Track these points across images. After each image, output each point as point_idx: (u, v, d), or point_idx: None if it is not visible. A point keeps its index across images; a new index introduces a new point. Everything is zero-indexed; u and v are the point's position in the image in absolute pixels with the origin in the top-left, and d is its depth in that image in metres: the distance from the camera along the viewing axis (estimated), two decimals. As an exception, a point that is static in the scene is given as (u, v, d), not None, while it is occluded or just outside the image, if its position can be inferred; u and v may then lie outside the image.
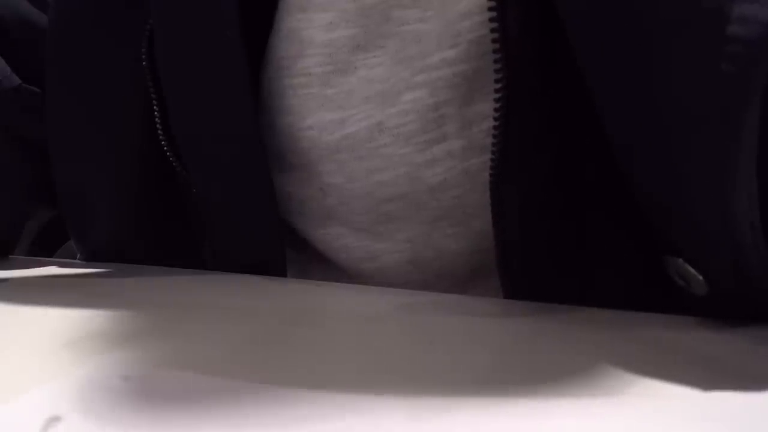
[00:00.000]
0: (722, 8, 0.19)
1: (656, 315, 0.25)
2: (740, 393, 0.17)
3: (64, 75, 0.38)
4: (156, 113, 0.35)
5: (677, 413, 0.16)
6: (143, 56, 0.34)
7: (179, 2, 0.32)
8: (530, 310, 0.26)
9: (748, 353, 0.21)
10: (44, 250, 0.51)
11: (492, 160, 0.26)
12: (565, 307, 0.26)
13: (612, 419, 0.15)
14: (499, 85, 0.25)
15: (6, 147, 0.40)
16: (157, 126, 0.35)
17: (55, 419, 0.15)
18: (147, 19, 0.34)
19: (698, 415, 0.16)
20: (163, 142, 0.35)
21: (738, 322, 0.23)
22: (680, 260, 0.23)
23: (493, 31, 0.25)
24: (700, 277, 0.23)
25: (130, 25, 0.35)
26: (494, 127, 0.26)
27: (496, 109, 0.25)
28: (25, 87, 0.39)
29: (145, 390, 0.17)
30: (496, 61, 0.25)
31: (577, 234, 0.27)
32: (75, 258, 0.41)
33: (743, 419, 0.16)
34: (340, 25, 0.29)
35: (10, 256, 0.43)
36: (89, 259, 0.40)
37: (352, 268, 0.33)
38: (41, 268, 0.38)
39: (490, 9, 0.24)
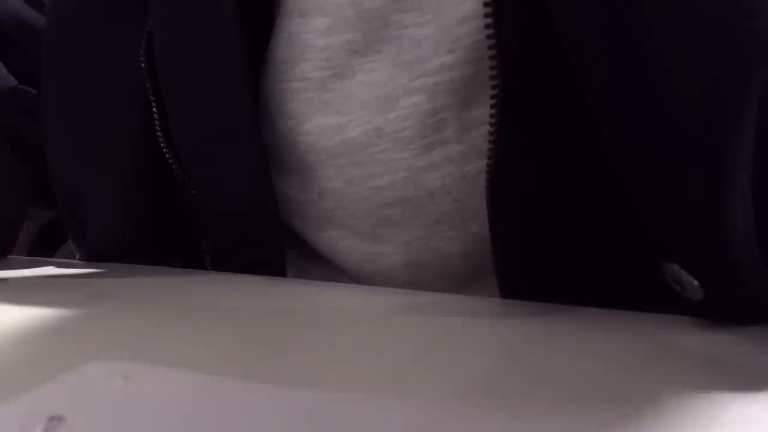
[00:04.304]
0: (721, 19, 0.19)
1: (656, 315, 0.25)
2: (740, 393, 0.17)
3: (61, 76, 0.38)
4: (155, 115, 0.35)
5: (677, 413, 0.16)
6: (142, 58, 0.34)
7: (179, 4, 0.32)
8: (530, 311, 0.26)
9: (748, 353, 0.21)
10: (44, 250, 0.51)
11: (488, 164, 0.26)
12: (564, 307, 0.26)
13: (611, 419, 0.15)
14: (495, 91, 0.25)
15: (4, 147, 0.40)
16: (156, 128, 0.35)
17: (55, 419, 0.15)
18: (146, 21, 0.34)
19: (698, 415, 0.16)
20: (162, 144, 0.35)
21: (737, 322, 0.23)
22: (676, 266, 0.23)
23: (489, 37, 0.25)
24: (696, 283, 0.23)
25: (128, 27, 0.35)
26: (490, 132, 0.26)
27: (491, 115, 0.25)
28: (21, 88, 0.40)
29: (145, 390, 0.17)
30: (492, 67, 0.25)
31: (574, 238, 0.27)
32: (74, 258, 0.41)
33: (743, 419, 0.16)
34: (338, 29, 0.29)
35: (9, 256, 0.43)
36: (88, 259, 0.40)
37: (352, 270, 0.33)
38: (40, 268, 0.38)
39: (486, 15, 0.24)
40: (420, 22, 0.28)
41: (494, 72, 0.25)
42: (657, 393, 0.17)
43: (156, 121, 0.35)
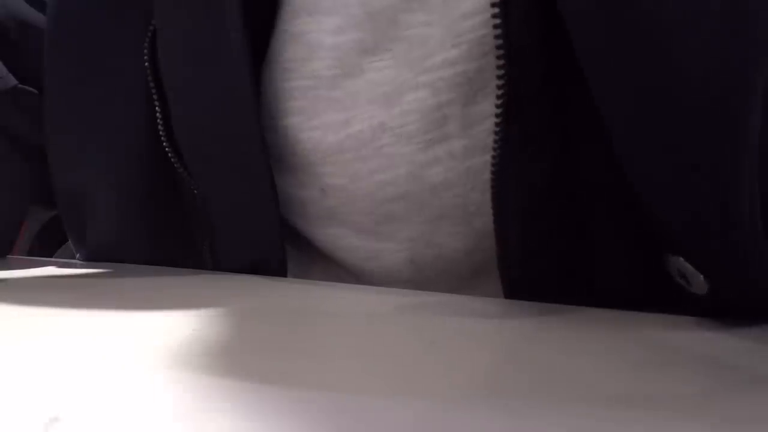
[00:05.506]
0: (731, 9, 0.19)
1: (656, 315, 0.25)
2: (740, 393, 0.17)
3: (62, 76, 0.38)
4: (158, 113, 0.35)
5: (677, 413, 0.16)
6: (145, 56, 0.34)
7: (184, 4, 0.32)
8: (531, 311, 0.26)
9: (748, 353, 0.21)
10: (44, 250, 0.51)
11: (493, 157, 0.26)
12: (566, 307, 0.26)
13: (611, 419, 0.15)
14: (501, 82, 0.25)
15: (4, 147, 0.40)
16: (159, 126, 0.35)
17: (55, 419, 0.15)
18: (149, 20, 0.34)
19: (698, 415, 0.16)
20: (164, 142, 0.35)
21: (738, 322, 0.23)
22: (681, 259, 0.23)
23: (495, 27, 0.25)
24: (701, 276, 0.23)
25: (130, 26, 0.36)
26: (496, 124, 0.26)
27: (497, 106, 0.25)
28: (22, 88, 0.40)
29: (145, 390, 0.17)
30: (498, 58, 0.25)
31: (577, 233, 0.27)
32: (74, 258, 0.41)
33: (743, 420, 0.16)
34: (348, 29, 0.29)
35: (9, 256, 0.43)
36: (88, 259, 0.40)
37: (354, 267, 0.33)
38: (40, 269, 0.38)
39: (493, 5, 0.24)
40: (427, 21, 0.28)
41: (501, 62, 0.25)
42: (657, 393, 0.17)
43: (158, 120, 0.35)
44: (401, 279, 0.32)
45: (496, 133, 0.26)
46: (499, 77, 0.25)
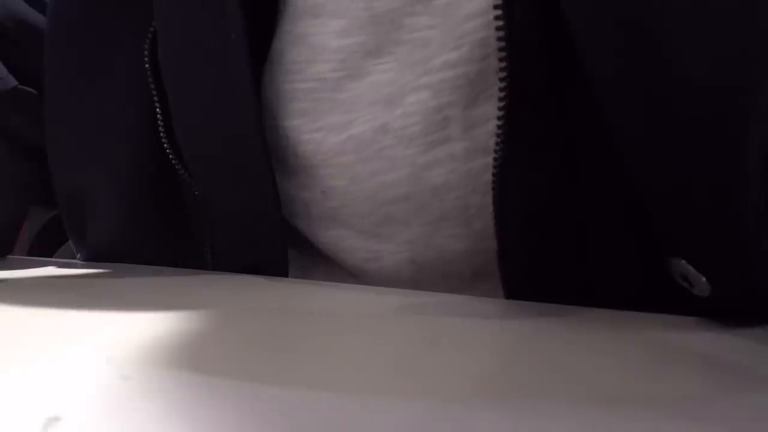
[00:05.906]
0: (733, 11, 0.19)
1: (657, 315, 0.25)
2: (741, 393, 0.17)
3: (63, 77, 0.38)
4: (158, 114, 0.35)
5: (677, 413, 0.16)
6: (145, 57, 0.34)
7: (184, 5, 0.32)
8: (532, 311, 0.26)
9: (749, 353, 0.21)
10: (44, 250, 0.51)
11: (495, 159, 0.26)
12: (566, 308, 0.26)
13: (613, 420, 0.15)
14: (503, 84, 0.25)
15: (3, 148, 0.40)
16: (159, 127, 0.35)
17: (55, 419, 0.15)
18: (150, 21, 0.34)
19: (699, 415, 0.16)
20: (164, 143, 0.35)
21: (739, 323, 0.23)
22: (683, 261, 0.23)
23: (498, 29, 0.24)
24: (704, 279, 0.23)
25: (131, 27, 0.36)
26: (498, 126, 0.25)
27: (499, 108, 0.25)
28: (21, 89, 0.40)
29: (145, 390, 0.17)
30: (501, 59, 0.25)
31: (578, 235, 0.27)
32: (74, 258, 0.41)
33: (743, 419, 0.16)
34: (353, 32, 0.30)
35: (9, 257, 0.43)
36: (88, 259, 0.40)
37: (355, 267, 0.33)
38: (40, 269, 0.38)
39: (496, 7, 0.24)
40: (431, 24, 0.28)
41: (503, 64, 0.25)
42: (657, 393, 0.17)
43: (159, 122, 0.35)
44: (402, 280, 0.32)
45: (497, 135, 0.25)
46: (501, 79, 0.25)
